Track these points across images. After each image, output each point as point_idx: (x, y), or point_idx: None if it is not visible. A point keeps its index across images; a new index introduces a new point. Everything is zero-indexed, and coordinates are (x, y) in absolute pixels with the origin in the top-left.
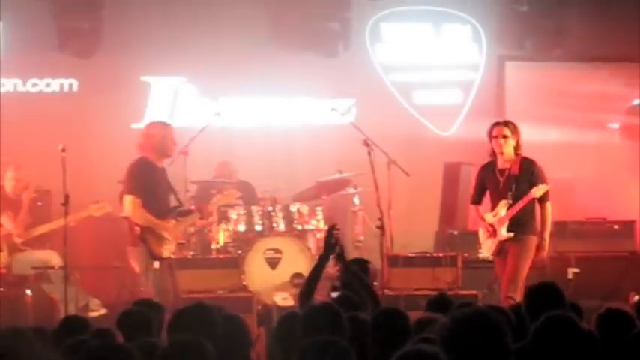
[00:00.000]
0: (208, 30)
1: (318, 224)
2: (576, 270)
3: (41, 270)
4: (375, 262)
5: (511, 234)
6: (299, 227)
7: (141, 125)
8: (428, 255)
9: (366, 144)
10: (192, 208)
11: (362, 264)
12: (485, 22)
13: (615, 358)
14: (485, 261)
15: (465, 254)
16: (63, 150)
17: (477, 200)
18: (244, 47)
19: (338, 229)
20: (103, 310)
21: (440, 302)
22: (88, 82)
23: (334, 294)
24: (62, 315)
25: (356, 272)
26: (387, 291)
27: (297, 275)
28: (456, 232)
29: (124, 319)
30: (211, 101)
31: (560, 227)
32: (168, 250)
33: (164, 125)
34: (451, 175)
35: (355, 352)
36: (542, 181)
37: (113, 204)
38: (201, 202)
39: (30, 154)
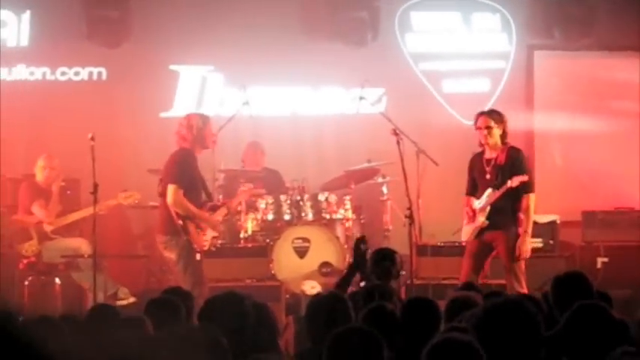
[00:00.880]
0: (237, 19)
1: (346, 213)
2: (605, 259)
3: (70, 259)
4: (404, 251)
5: (486, 221)
6: (327, 216)
7: (170, 114)
8: (456, 244)
9: (395, 133)
10: (219, 202)
11: (390, 254)
12: (514, 11)
13: None
14: None
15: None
16: (92, 139)
17: (470, 191)
18: (273, 36)
19: (366, 241)
20: (132, 299)
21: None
22: (116, 71)
23: (363, 284)
24: (91, 303)
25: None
26: (415, 280)
27: (325, 264)
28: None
29: (152, 307)
30: (239, 90)
31: (589, 217)
32: (207, 242)
33: (204, 117)
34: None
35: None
36: (522, 171)
37: (142, 192)
38: (229, 190)
39: (59, 143)
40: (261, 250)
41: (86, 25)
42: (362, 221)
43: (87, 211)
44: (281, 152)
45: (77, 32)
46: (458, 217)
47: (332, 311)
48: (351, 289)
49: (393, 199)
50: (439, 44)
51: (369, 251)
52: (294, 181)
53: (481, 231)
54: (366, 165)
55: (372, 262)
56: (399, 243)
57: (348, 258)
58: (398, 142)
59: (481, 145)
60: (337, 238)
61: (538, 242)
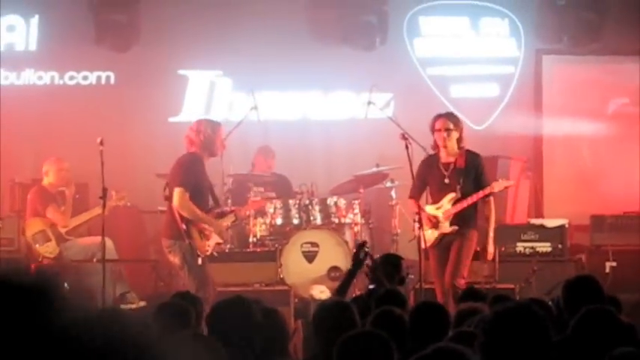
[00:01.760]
0: (245, 23)
1: (355, 218)
2: (614, 264)
3: (82, 262)
4: (413, 255)
5: (455, 227)
6: (336, 221)
7: (178, 119)
8: None
9: (404, 137)
10: (228, 209)
11: (394, 260)
12: (523, 16)
13: None
14: (522, 255)
15: (502, 248)
16: (101, 143)
17: (416, 195)
18: (281, 40)
19: (368, 247)
20: (142, 303)
21: (471, 296)
22: (125, 76)
23: (371, 286)
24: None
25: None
26: (424, 284)
27: (334, 269)
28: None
29: (162, 311)
30: (248, 95)
31: (597, 221)
32: (209, 247)
33: (215, 125)
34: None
35: None
36: (487, 176)
37: (151, 197)
38: (238, 194)
39: (67, 148)
40: (269, 254)
41: (95, 29)
42: (371, 225)
43: (92, 212)
44: (290, 157)
45: (86, 36)
46: None
47: (337, 319)
48: (357, 292)
49: (402, 203)
50: (448, 49)
51: (377, 256)
52: (303, 186)
53: (443, 236)
54: (374, 169)
55: (379, 267)
56: (407, 247)
57: None
58: (407, 147)
59: (436, 147)
60: (346, 242)
61: (547, 246)
